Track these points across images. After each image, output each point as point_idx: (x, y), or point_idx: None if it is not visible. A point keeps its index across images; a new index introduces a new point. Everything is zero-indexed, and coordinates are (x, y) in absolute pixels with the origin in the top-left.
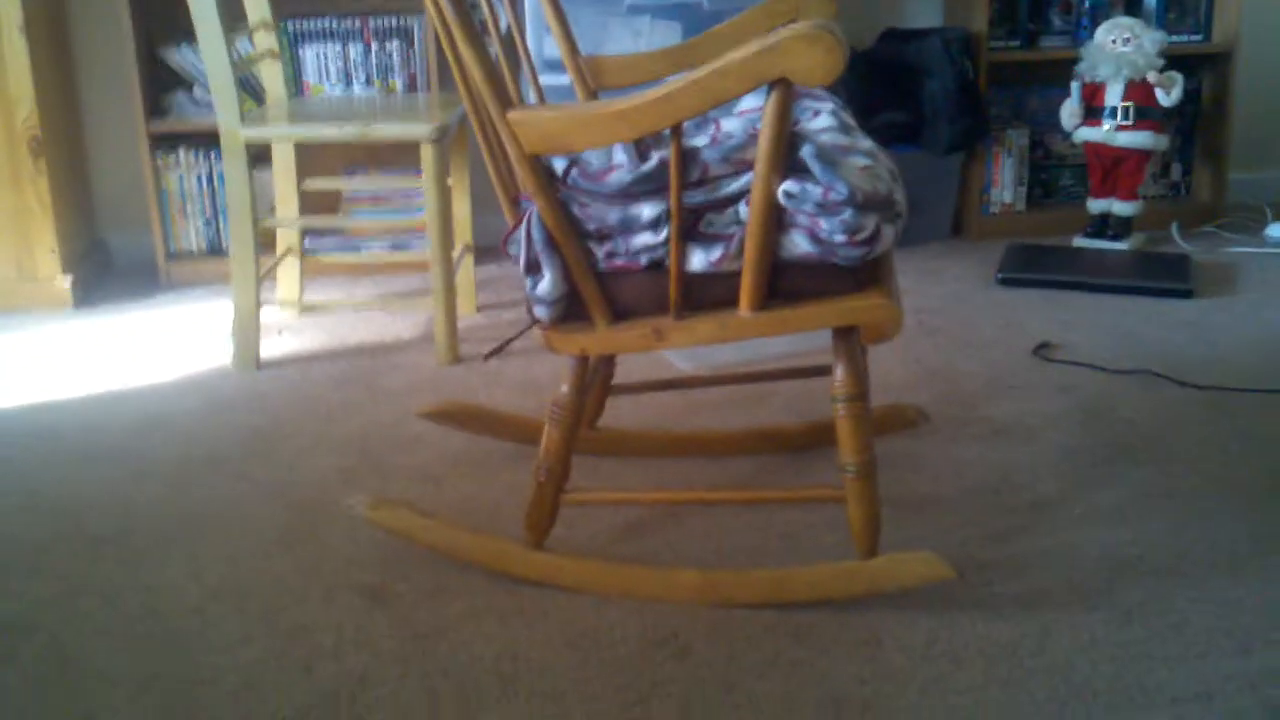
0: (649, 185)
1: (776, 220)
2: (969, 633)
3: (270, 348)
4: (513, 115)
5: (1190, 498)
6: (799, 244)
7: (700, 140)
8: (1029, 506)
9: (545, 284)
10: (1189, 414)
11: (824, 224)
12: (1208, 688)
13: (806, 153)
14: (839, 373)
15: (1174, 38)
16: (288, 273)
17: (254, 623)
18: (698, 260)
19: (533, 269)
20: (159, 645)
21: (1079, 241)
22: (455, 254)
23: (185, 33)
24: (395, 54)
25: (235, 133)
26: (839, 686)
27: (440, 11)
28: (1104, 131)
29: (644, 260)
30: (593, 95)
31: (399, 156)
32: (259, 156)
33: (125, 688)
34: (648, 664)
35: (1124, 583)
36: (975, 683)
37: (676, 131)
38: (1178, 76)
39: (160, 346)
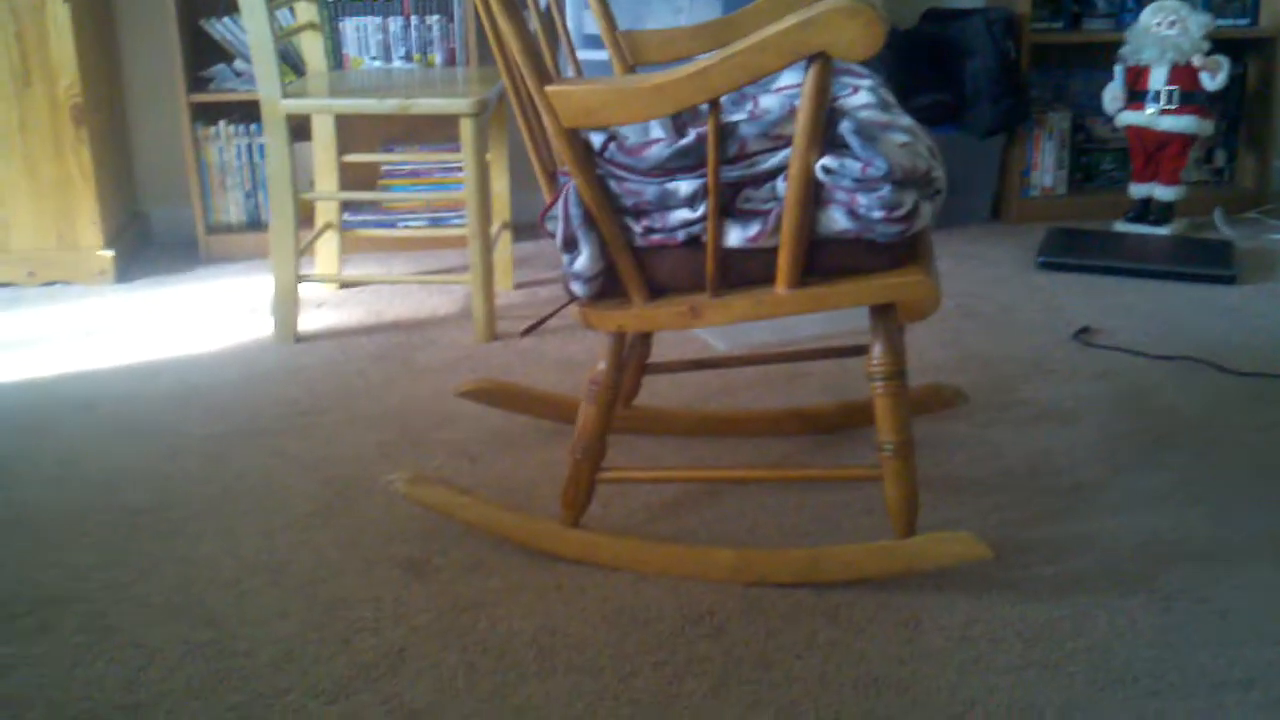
0: (687, 161)
1: (814, 196)
2: (1007, 614)
3: (309, 322)
4: (551, 89)
5: (1231, 484)
6: (837, 220)
7: (738, 117)
8: (1068, 490)
9: (582, 260)
10: (1230, 401)
11: (862, 200)
12: (1248, 674)
13: (845, 128)
14: (877, 350)
15: (1220, 21)
16: (327, 247)
17: (291, 596)
18: (735, 236)
19: (570, 245)
20: (197, 617)
21: (1120, 226)
22: (493, 230)
23: (227, 4)
24: (435, 28)
25: (276, 104)
26: (876, 666)
27: None
28: (1147, 115)
29: (681, 236)
30: (630, 70)
31: (437, 131)
32: (298, 130)
33: (164, 659)
34: (684, 641)
35: (1163, 568)
36: (1013, 664)
37: (715, 107)
38: (1223, 60)
39: (199, 319)
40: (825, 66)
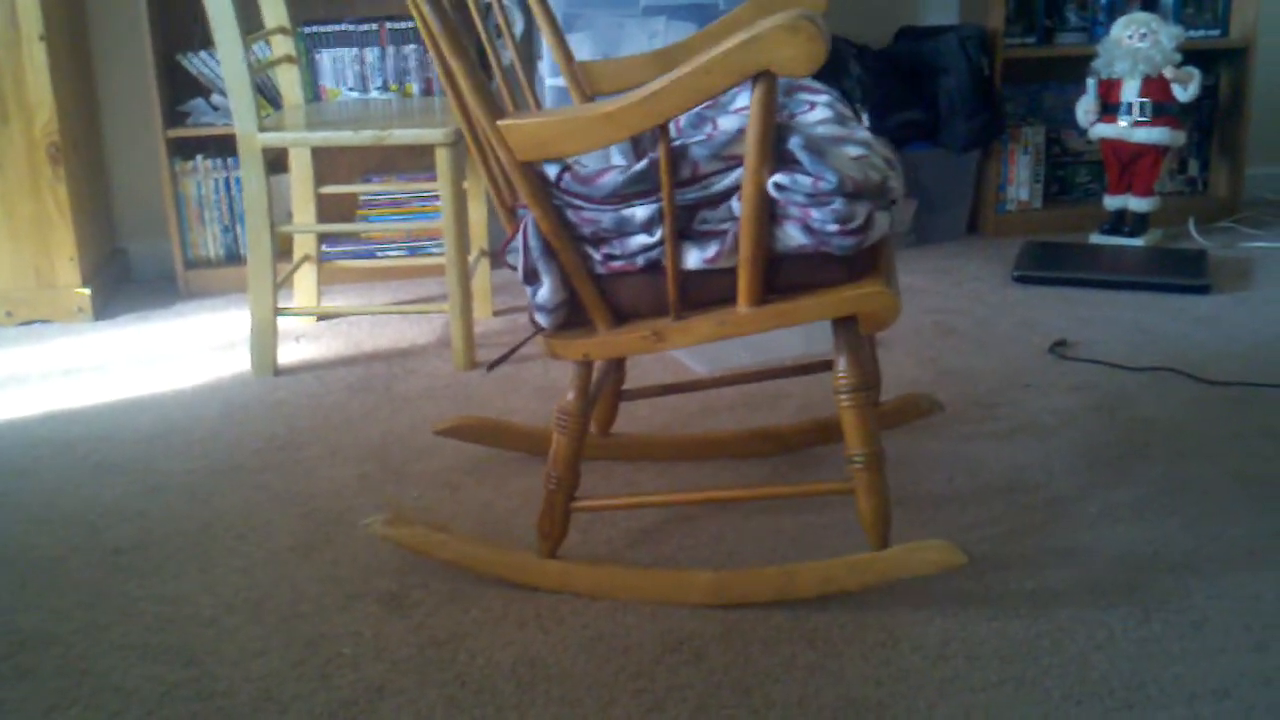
0: (641, 186)
1: (769, 213)
2: (984, 631)
3: (288, 355)
4: (502, 123)
5: (1208, 494)
6: (793, 236)
7: (698, 138)
8: (1045, 504)
9: (545, 291)
10: (1206, 410)
11: (815, 214)
12: (1225, 684)
13: (794, 144)
14: (841, 364)
15: (1191, 33)
16: (305, 279)
17: (271, 633)
18: (694, 258)
19: (531, 277)
20: (175, 657)
21: (1095, 238)
22: (471, 258)
23: (203, 39)
24: (411, 58)
25: (253, 138)
26: (854, 688)
27: (426, 24)
28: (1120, 128)
29: (641, 261)
30: (588, 99)
31: (416, 161)
32: (276, 162)
33: (142, 700)
34: (663, 668)
35: (1141, 580)
36: (991, 681)
37: (664, 131)
38: (1195, 72)
39: (178, 355)
40: (770, 84)
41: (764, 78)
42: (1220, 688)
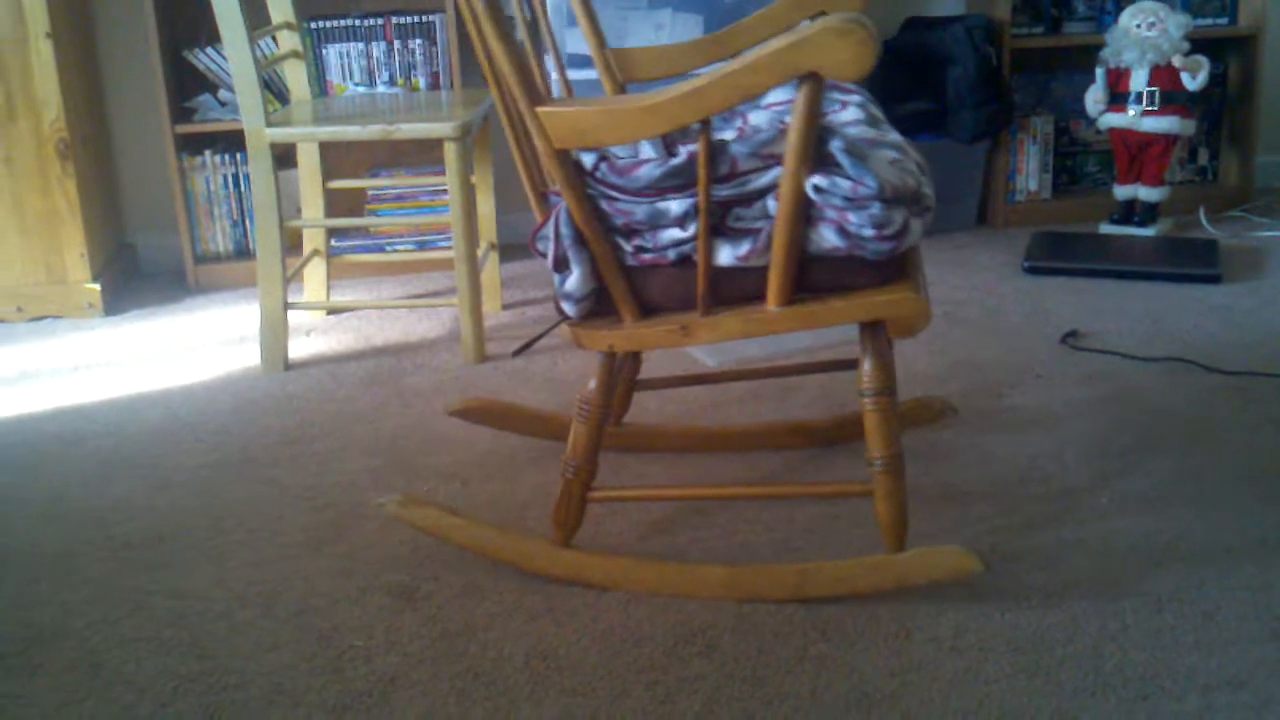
0: (677, 180)
1: (805, 214)
2: (997, 623)
3: (298, 349)
4: (542, 110)
5: (1220, 485)
6: (827, 238)
7: (728, 134)
8: (1057, 496)
9: (574, 280)
10: (1218, 401)
11: (852, 218)
12: (1238, 674)
13: (835, 146)
14: (866, 367)
15: (1200, 21)
16: (314, 273)
17: (283, 626)
18: (726, 255)
19: (561, 265)
20: (188, 651)
21: (1105, 228)
22: (480, 252)
23: (210, 34)
24: (418, 52)
25: (260, 133)
26: (867, 680)
27: (470, 5)
28: (1130, 117)
29: (672, 255)
30: (621, 89)
31: (423, 155)
32: (284, 157)
33: (155, 694)
34: (676, 660)
35: (1154, 571)
36: (1004, 672)
37: (706, 126)
38: (1203, 60)
39: (188, 350)
40: (816, 86)
41: (811, 79)
42: (1234, 678)
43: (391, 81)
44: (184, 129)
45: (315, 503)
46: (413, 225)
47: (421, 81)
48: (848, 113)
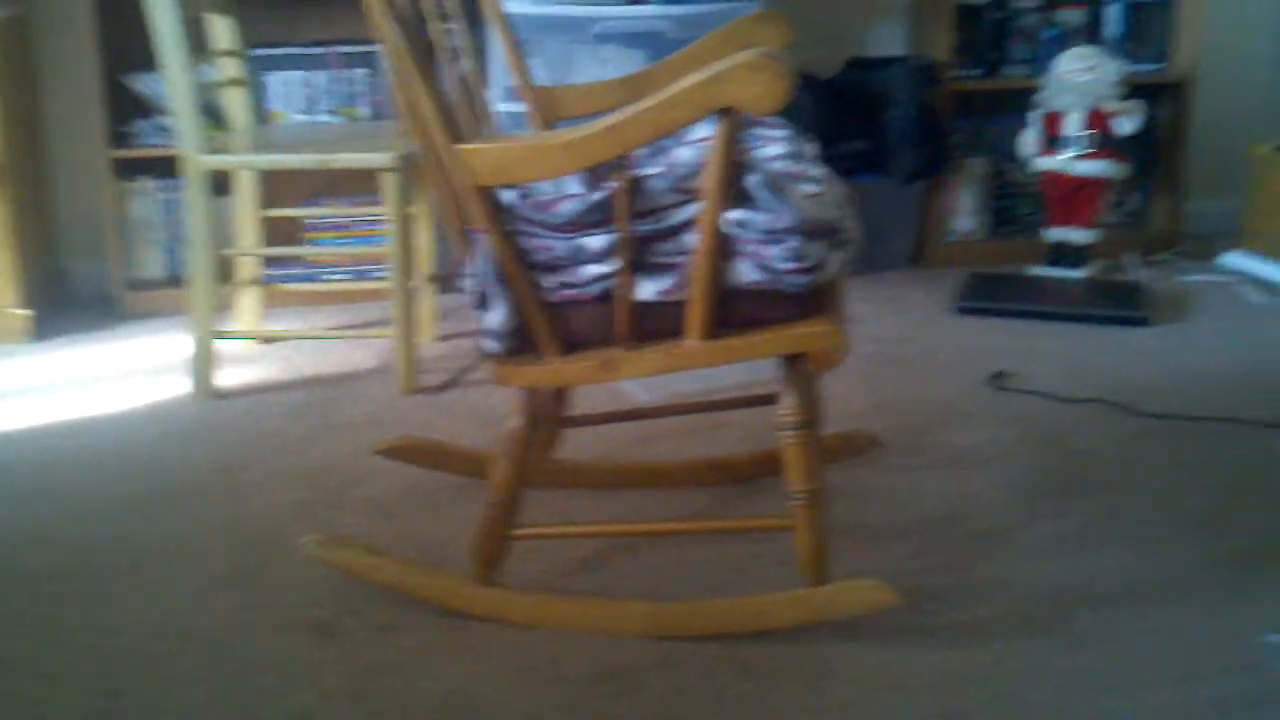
0: (598, 216)
1: (724, 249)
2: (918, 663)
3: (229, 378)
4: (461, 147)
5: (1140, 526)
6: (746, 272)
7: (654, 169)
8: (981, 536)
9: (495, 316)
10: (1141, 443)
11: (770, 252)
12: (1150, 717)
13: (753, 181)
14: (787, 400)
15: (1134, 67)
16: (248, 302)
17: (199, 662)
18: (647, 290)
19: (483, 302)
20: (97, 686)
21: (1037, 270)
22: (417, 283)
23: (150, 59)
24: (360, 82)
25: (197, 160)
26: None
27: (390, 42)
28: (1062, 160)
29: (594, 291)
30: (548, 125)
31: (363, 184)
32: (222, 184)
33: None
34: (598, 699)
35: (1073, 612)
36: (923, 713)
37: (623, 162)
38: (1137, 105)
39: (118, 378)
40: (733, 121)
41: (727, 115)
42: None
43: (333, 111)
44: (120, 154)
45: (238, 535)
46: (348, 255)
47: (363, 111)
48: (772, 148)
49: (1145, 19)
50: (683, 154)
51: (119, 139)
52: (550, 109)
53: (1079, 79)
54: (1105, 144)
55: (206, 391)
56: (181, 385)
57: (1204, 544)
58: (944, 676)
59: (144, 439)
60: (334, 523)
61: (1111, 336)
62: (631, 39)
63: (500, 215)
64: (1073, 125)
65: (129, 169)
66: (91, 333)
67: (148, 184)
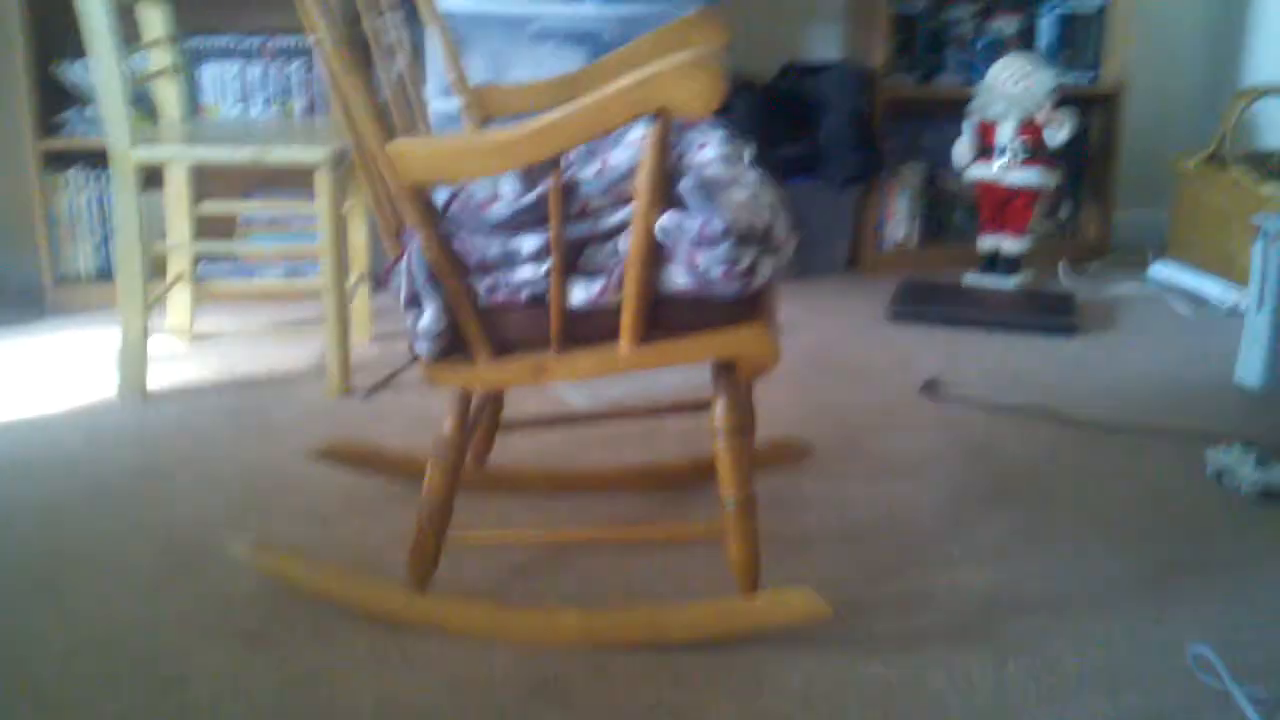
0: (529, 217)
1: (656, 253)
2: (846, 673)
3: (158, 377)
4: (392, 146)
5: (1067, 536)
6: (678, 277)
7: (589, 171)
8: (911, 544)
9: (427, 318)
10: (1069, 451)
11: (701, 257)
12: None
13: (685, 186)
14: (719, 406)
15: (1065, 78)
16: (178, 299)
17: (124, 670)
18: (579, 294)
19: (413, 303)
20: (19, 696)
21: (969, 278)
22: (351, 282)
23: (79, 48)
24: (296, 75)
25: (125, 153)
26: None
27: (320, 38)
28: (995, 170)
29: (526, 294)
30: (483, 125)
31: (299, 180)
32: (152, 178)
33: None
34: (529, 710)
35: (1001, 622)
36: None
37: (556, 164)
38: (1069, 116)
39: (43, 376)
40: (665, 123)
41: (660, 116)
42: None
43: (267, 104)
44: (48, 145)
45: (166, 541)
46: (281, 252)
47: (298, 106)
48: (706, 152)
49: (1078, 30)
50: (617, 156)
51: (48, 129)
52: (485, 107)
53: (1012, 88)
54: (1038, 153)
55: (135, 391)
56: (108, 384)
57: (1132, 553)
58: (872, 687)
59: (68, 440)
60: (265, 529)
61: (1041, 345)
62: (569, 38)
63: (432, 215)
64: (1006, 134)
65: (58, 160)
66: (15, 328)
67: (77, 176)
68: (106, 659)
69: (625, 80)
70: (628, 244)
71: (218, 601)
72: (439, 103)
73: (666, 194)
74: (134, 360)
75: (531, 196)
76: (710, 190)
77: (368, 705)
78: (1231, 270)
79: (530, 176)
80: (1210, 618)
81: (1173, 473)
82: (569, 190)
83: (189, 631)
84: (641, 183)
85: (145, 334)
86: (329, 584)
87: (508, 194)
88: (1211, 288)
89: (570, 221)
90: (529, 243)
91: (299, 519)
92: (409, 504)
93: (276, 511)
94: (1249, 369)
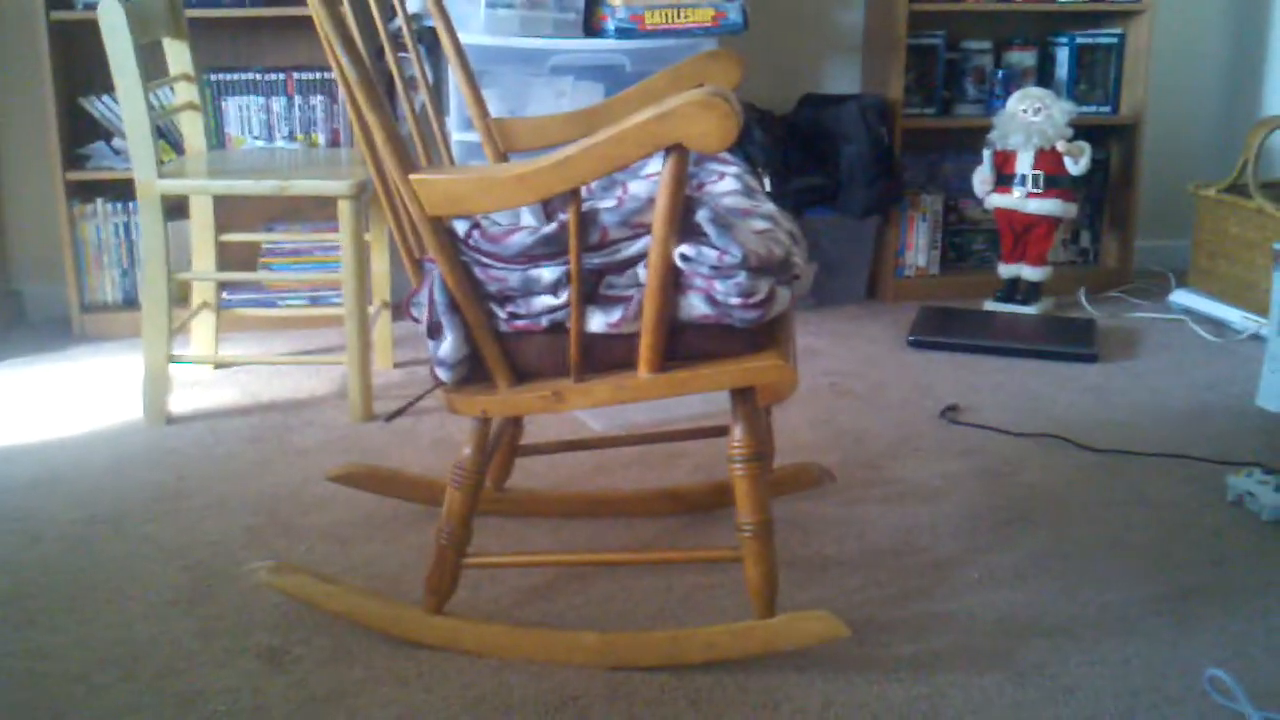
0: (549, 248)
1: (674, 283)
2: (864, 695)
3: (182, 403)
4: (415, 177)
5: (1085, 560)
6: (696, 306)
7: (608, 203)
8: (929, 568)
9: (447, 346)
10: (1088, 478)
11: (719, 286)
12: None
13: (702, 216)
14: (736, 433)
15: (1083, 108)
16: (203, 326)
17: (143, 689)
18: (597, 322)
19: (435, 331)
20: (41, 715)
21: (989, 305)
22: (373, 310)
23: (106, 82)
24: (319, 109)
25: (151, 184)
26: None
27: (344, 74)
28: (1014, 198)
29: (545, 322)
30: (503, 157)
31: (320, 210)
32: (177, 207)
33: None
34: None
35: (1018, 645)
36: None
37: (575, 196)
38: (1086, 146)
39: (70, 400)
40: (681, 158)
41: (676, 151)
42: None
43: (291, 137)
44: (76, 176)
45: (187, 561)
46: (304, 281)
47: (321, 138)
48: (724, 184)
49: (1094, 62)
50: (635, 188)
51: (75, 161)
52: (505, 141)
53: (1029, 119)
54: (1055, 183)
55: (159, 416)
56: (134, 409)
57: (1148, 579)
58: (890, 708)
59: (93, 463)
60: (286, 550)
61: (1062, 372)
62: (588, 72)
63: (453, 245)
64: (1023, 164)
65: (85, 191)
66: (44, 354)
67: (104, 206)
68: (126, 678)
69: (642, 115)
70: (646, 273)
71: (237, 621)
72: (459, 135)
73: (684, 224)
74: (158, 385)
75: (552, 226)
76: (728, 220)
77: None
78: (1253, 297)
79: (549, 208)
80: (1227, 642)
81: (1193, 498)
82: (588, 220)
83: (209, 651)
84: (659, 213)
85: (169, 360)
86: (348, 604)
87: (528, 224)
88: (1232, 314)
89: (589, 251)
90: (549, 272)
91: (320, 540)
92: (428, 525)
93: (298, 532)
94: (1270, 394)
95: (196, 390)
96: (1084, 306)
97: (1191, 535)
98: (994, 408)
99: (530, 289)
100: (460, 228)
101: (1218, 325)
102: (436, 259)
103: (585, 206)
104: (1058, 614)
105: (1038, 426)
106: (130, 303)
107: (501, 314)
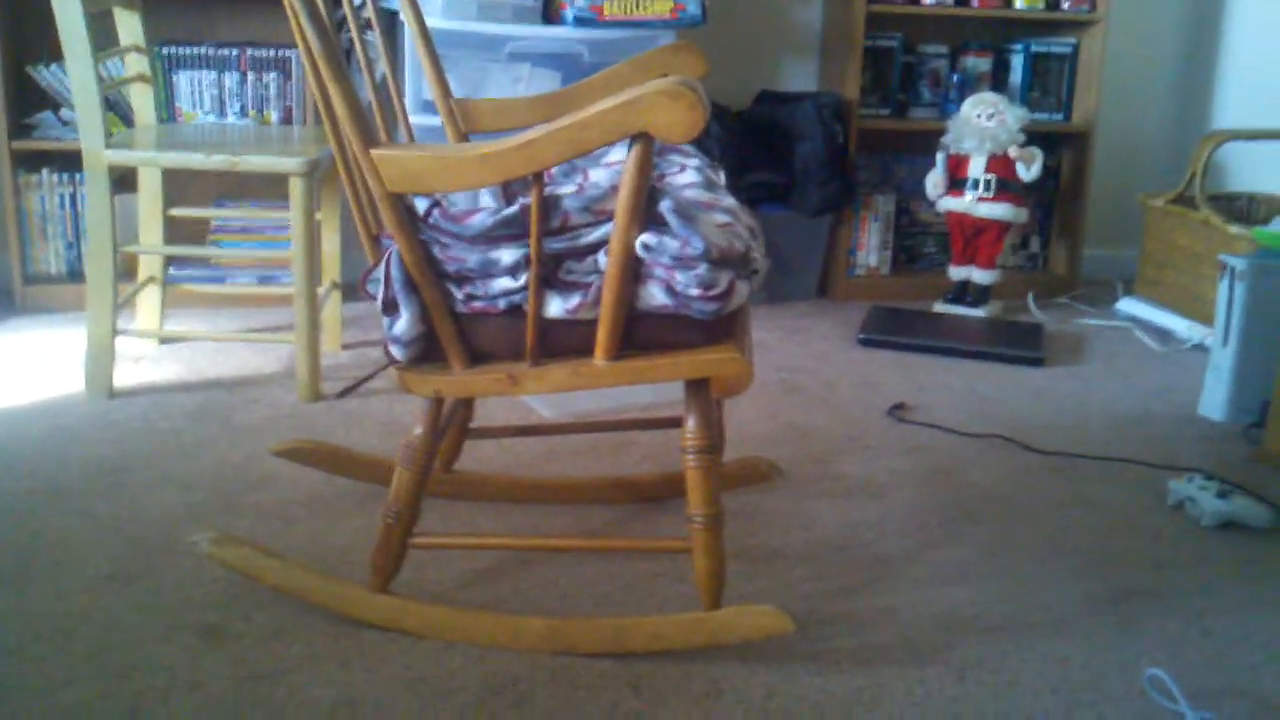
0: (510, 230)
1: (634, 271)
2: (806, 687)
3: (125, 378)
4: (376, 152)
5: (1027, 559)
6: (655, 295)
7: (568, 188)
8: (873, 563)
9: (402, 324)
10: (1032, 478)
11: (679, 277)
12: None
13: (665, 207)
14: (690, 424)
15: (1036, 115)
16: (148, 301)
17: (80, 663)
18: (555, 307)
19: (390, 308)
20: None
21: (939, 307)
22: (322, 290)
23: (55, 50)
24: (272, 85)
25: (98, 155)
26: None
27: (307, 45)
28: (966, 202)
29: (502, 304)
30: (464, 138)
31: (272, 188)
32: (126, 181)
33: None
34: (487, 712)
35: (959, 641)
36: None
37: (538, 179)
38: (1038, 152)
39: (10, 373)
40: (646, 146)
41: (641, 139)
42: None
43: (243, 113)
44: (21, 145)
45: (127, 536)
46: (253, 259)
47: (274, 115)
48: (686, 175)
49: (1048, 70)
50: (596, 175)
51: (21, 130)
52: (467, 122)
53: (982, 124)
54: (1007, 188)
55: (101, 389)
56: (76, 383)
57: (1090, 578)
58: (831, 700)
59: (33, 436)
60: (228, 526)
61: (1008, 375)
62: (545, 60)
63: (412, 223)
64: (976, 168)
65: (31, 161)
66: None
67: (50, 177)
68: (61, 650)
69: (610, 102)
70: (605, 260)
71: (177, 597)
72: (416, 118)
73: (646, 214)
74: (101, 359)
75: (514, 208)
76: (689, 213)
77: (326, 703)
78: (1199, 307)
79: (510, 190)
80: (1166, 643)
81: (1135, 501)
82: (550, 205)
83: (147, 625)
84: (622, 201)
85: (113, 334)
86: (291, 579)
87: (488, 205)
88: (1178, 323)
89: (550, 236)
90: (508, 254)
91: (263, 517)
92: (372, 506)
93: (240, 509)
94: (1212, 403)
95: (141, 365)
96: (1032, 311)
97: (1132, 538)
98: (941, 407)
99: (489, 271)
100: (420, 206)
101: (1163, 334)
102: (395, 236)
103: (546, 191)
104: (999, 611)
105: (984, 427)
106: (75, 275)
107: (459, 294)
